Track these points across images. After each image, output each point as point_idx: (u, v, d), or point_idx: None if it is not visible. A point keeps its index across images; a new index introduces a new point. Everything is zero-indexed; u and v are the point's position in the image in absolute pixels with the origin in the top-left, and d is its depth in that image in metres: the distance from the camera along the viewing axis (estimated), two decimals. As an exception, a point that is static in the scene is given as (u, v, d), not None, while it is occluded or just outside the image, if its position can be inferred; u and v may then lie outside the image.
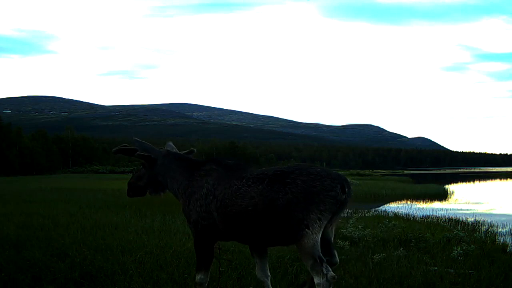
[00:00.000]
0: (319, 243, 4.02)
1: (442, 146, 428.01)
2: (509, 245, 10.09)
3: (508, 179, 66.75)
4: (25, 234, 8.72)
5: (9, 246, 7.44)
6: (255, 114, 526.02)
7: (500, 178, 70.31)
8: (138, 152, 4.98)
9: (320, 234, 4.05)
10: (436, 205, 24.62)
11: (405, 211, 19.51)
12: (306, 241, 3.98)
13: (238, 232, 4.39)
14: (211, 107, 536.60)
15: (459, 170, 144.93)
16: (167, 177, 4.91)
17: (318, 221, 4.00)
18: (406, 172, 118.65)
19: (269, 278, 4.73)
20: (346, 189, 4.10)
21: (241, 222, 4.25)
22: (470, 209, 21.77)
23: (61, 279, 5.61)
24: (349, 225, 9.86)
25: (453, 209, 21.22)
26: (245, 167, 4.60)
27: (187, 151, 5.24)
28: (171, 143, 5.25)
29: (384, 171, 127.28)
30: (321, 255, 4.00)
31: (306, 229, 3.98)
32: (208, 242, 4.56)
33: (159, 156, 4.98)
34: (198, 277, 4.58)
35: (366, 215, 16.56)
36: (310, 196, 4.00)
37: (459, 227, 12.91)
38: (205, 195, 4.49)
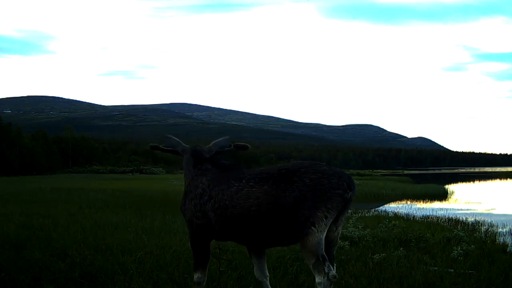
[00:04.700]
0: (323, 242, 4.02)
1: (442, 146, 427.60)
2: (509, 245, 10.09)
3: (508, 179, 66.75)
4: (25, 234, 8.72)
5: (9, 246, 7.42)
6: (255, 114, 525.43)
7: (500, 178, 70.31)
8: (163, 147, 5.09)
9: (325, 233, 4.05)
10: (436, 205, 24.63)
11: (405, 211, 19.52)
12: (311, 239, 3.98)
13: (237, 233, 4.36)
14: (211, 107, 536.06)
15: (459, 170, 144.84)
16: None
17: (324, 219, 4.01)
18: (406, 172, 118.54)
19: (268, 278, 4.72)
20: (352, 187, 4.13)
21: (243, 223, 4.22)
22: (470, 209, 21.78)
23: (61, 279, 5.60)
24: (349, 225, 9.85)
25: (453, 209, 21.23)
26: (242, 167, 4.59)
27: (230, 147, 5.05)
28: (221, 139, 5.09)
29: (384, 171, 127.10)
30: (324, 254, 3.99)
31: (312, 227, 3.98)
32: (203, 241, 4.55)
33: (183, 152, 5.01)
34: (195, 276, 4.59)
35: (366, 215, 16.55)
36: (318, 194, 4.00)
37: (459, 227, 12.92)
38: (200, 195, 4.49)
